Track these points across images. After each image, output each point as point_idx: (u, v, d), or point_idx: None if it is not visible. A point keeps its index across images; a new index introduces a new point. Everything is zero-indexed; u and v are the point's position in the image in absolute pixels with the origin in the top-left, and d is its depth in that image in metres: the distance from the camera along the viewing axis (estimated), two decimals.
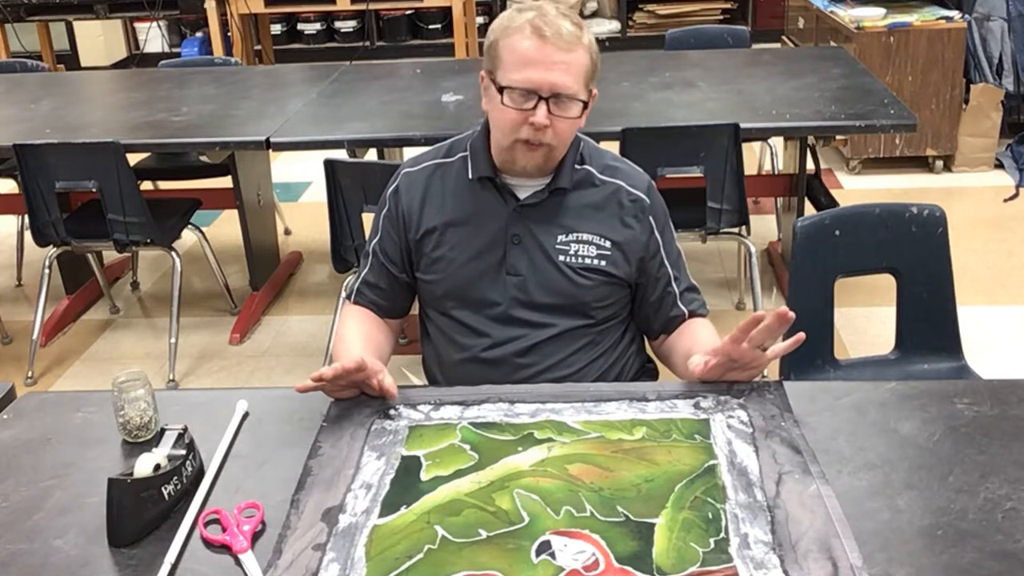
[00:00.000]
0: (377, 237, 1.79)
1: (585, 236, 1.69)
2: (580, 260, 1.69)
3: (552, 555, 1.17)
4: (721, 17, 7.06)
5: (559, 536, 1.20)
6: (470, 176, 1.71)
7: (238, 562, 1.19)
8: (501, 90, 1.59)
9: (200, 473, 1.36)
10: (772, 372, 3.01)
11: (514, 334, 1.71)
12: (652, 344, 1.84)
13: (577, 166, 1.71)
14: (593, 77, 1.62)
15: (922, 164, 4.64)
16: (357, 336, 1.71)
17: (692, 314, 1.77)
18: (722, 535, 1.19)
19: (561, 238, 1.69)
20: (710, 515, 1.23)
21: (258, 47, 6.23)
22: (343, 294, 1.84)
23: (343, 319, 1.80)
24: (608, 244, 1.69)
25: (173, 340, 3.22)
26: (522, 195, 1.70)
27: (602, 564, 1.15)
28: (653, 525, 1.22)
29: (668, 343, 1.78)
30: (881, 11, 4.50)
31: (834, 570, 1.12)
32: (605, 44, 7.11)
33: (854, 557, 1.14)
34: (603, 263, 1.69)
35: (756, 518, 1.22)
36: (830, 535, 1.18)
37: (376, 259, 1.78)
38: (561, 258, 1.69)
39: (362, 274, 1.80)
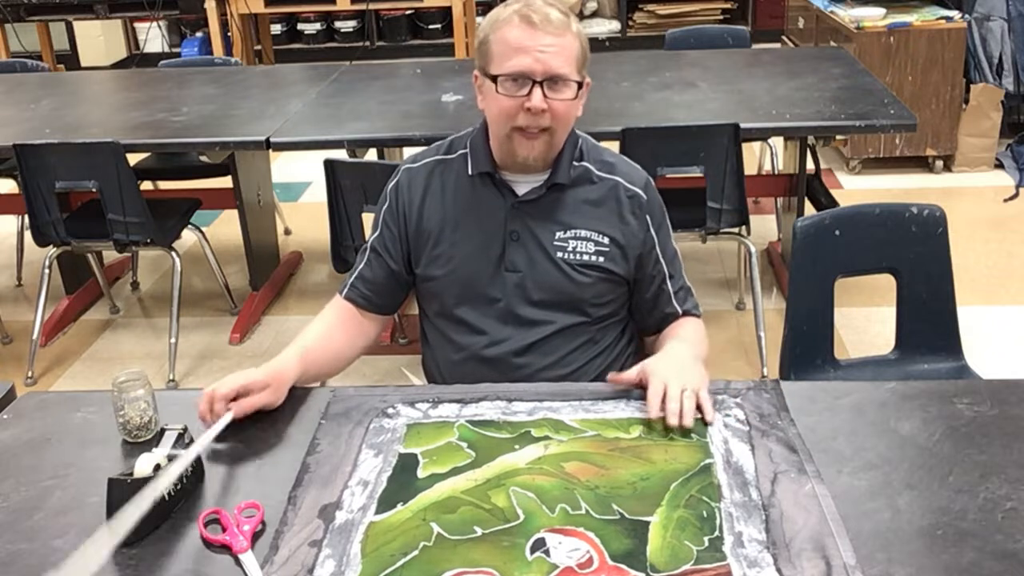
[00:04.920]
0: (377, 233, 1.79)
1: (583, 233, 1.69)
2: (578, 257, 1.69)
3: (547, 552, 1.17)
4: (721, 17, 7.06)
5: (553, 534, 1.21)
6: (470, 172, 1.72)
7: (238, 562, 1.19)
8: (495, 79, 1.60)
9: (200, 473, 1.36)
10: (772, 371, 3.02)
11: (512, 332, 1.71)
12: (647, 343, 1.84)
13: (575, 163, 1.71)
14: (584, 64, 1.63)
15: (922, 164, 4.64)
16: (311, 336, 1.70)
17: (686, 313, 1.77)
18: (716, 533, 1.20)
19: (559, 235, 1.69)
20: (705, 513, 1.23)
21: (258, 47, 6.24)
22: (336, 296, 1.84)
23: (321, 313, 1.79)
24: (606, 240, 1.70)
25: (173, 340, 3.22)
26: (520, 191, 1.70)
27: (596, 562, 1.16)
28: (647, 523, 1.22)
29: (657, 340, 1.79)
30: (881, 11, 4.50)
31: (827, 569, 1.12)
32: (605, 44, 7.11)
33: (847, 556, 1.14)
34: (601, 259, 1.69)
35: (751, 517, 1.22)
36: (824, 534, 1.18)
37: (375, 254, 1.78)
38: (559, 255, 1.69)
39: (358, 268, 1.80)
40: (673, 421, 1.41)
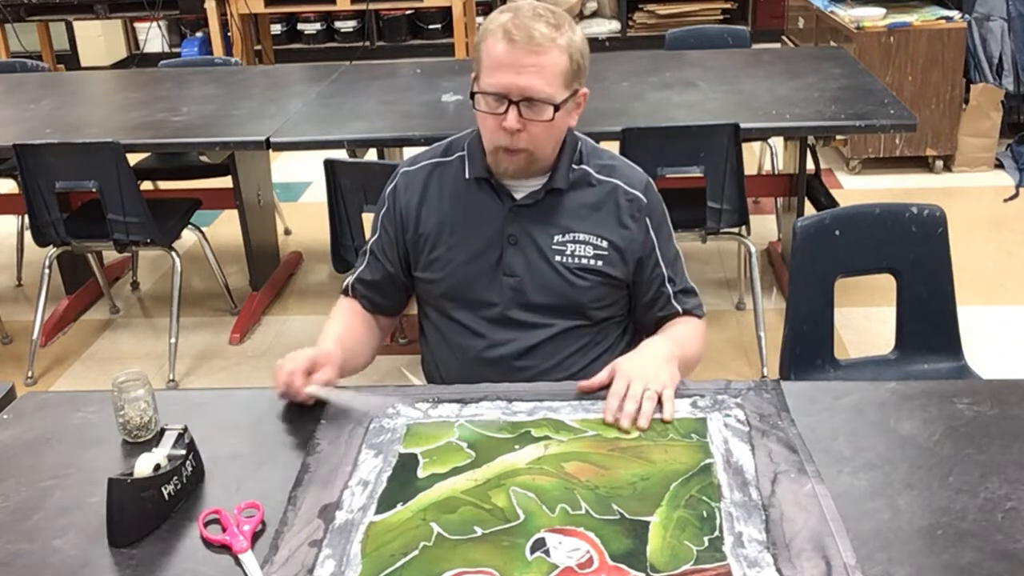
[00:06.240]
0: (375, 236, 1.80)
1: (582, 236, 1.69)
2: (576, 260, 1.68)
3: (547, 552, 1.17)
4: (721, 17, 7.06)
5: (553, 534, 1.21)
6: (467, 176, 1.71)
7: (238, 562, 1.19)
8: (473, 96, 1.60)
9: (200, 473, 1.36)
10: (772, 371, 3.02)
11: (511, 336, 1.71)
12: None
13: (575, 166, 1.70)
14: (576, 77, 1.60)
15: (922, 164, 4.64)
16: (339, 326, 1.73)
17: (687, 313, 1.76)
18: (716, 534, 1.20)
19: (558, 238, 1.69)
20: (705, 513, 1.23)
21: (258, 47, 6.23)
22: (341, 296, 1.84)
23: (332, 312, 1.80)
24: (605, 244, 1.69)
25: (173, 340, 3.22)
26: (518, 195, 1.69)
27: (596, 562, 1.16)
28: (648, 523, 1.22)
29: None
30: (881, 11, 4.50)
31: (827, 569, 1.12)
32: (605, 44, 7.11)
33: (847, 556, 1.14)
34: (600, 263, 1.69)
35: (751, 517, 1.22)
36: (824, 534, 1.18)
37: (373, 257, 1.79)
38: (557, 258, 1.68)
39: (358, 271, 1.81)
40: (625, 424, 1.41)
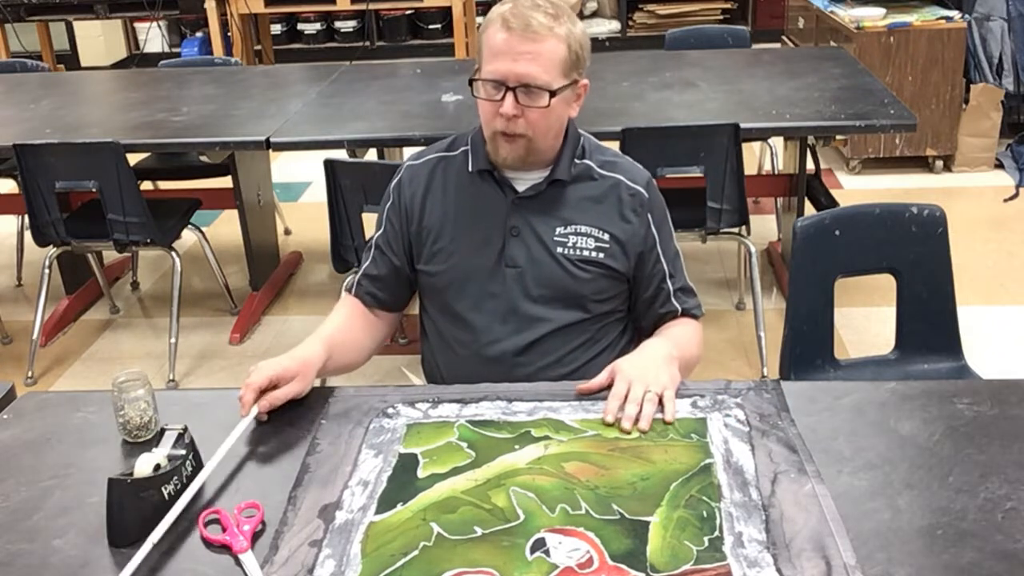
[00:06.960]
0: (381, 230, 1.81)
1: (583, 228, 1.70)
2: (578, 252, 1.69)
3: (547, 552, 1.17)
4: (721, 17, 7.07)
5: (553, 534, 1.21)
6: (470, 169, 1.72)
7: (238, 562, 1.19)
8: (472, 83, 1.62)
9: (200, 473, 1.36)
10: (772, 371, 3.02)
11: (512, 329, 1.71)
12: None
13: (577, 160, 1.72)
14: (575, 66, 1.63)
15: (922, 164, 4.65)
16: (331, 325, 1.73)
17: (685, 313, 1.77)
18: (716, 534, 1.20)
19: (560, 230, 1.70)
20: (705, 513, 1.23)
21: (258, 47, 6.24)
22: (344, 293, 1.85)
23: (333, 310, 1.81)
24: (607, 237, 1.70)
25: (173, 340, 3.22)
26: (521, 187, 1.71)
27: (596, 562, 1.16)
28: (648, 523, 1.22)
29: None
30: (881, 11, 4.50)
31: (827, 569, 1.12)
32: (605, 44, 7.12)
33: (847, 556, 1.14)
34: (601, 255, 1.70)
35: (751, 517, 1.22)
36: (824, 534, 1.18)
37: (379, 251, 1.80)
38: (559, 250, 1.69)
39: (363, 267, 1.82)
40: (626, 426, 1.42)
